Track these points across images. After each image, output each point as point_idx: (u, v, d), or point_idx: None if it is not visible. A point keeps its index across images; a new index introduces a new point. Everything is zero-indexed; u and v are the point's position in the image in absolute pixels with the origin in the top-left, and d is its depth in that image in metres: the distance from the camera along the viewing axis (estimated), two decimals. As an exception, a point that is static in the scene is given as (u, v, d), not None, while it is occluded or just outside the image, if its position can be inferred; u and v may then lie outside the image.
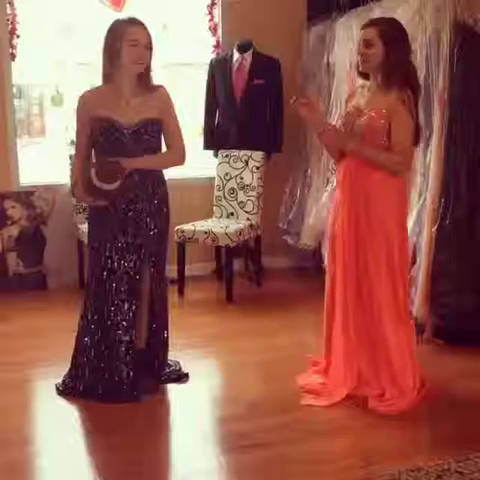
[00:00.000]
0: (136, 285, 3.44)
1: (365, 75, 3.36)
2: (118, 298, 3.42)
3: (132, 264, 3.42)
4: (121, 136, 3.35)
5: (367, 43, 3.23)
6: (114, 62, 3.30)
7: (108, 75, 3.35)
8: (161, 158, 3.51)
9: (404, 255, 3.41)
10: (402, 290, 3.37)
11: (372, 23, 3.30)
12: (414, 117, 3.23)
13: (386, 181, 3.29)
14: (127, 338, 3.42)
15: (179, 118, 3.53)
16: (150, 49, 3.34)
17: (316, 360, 3.66)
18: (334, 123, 3.53)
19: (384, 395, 3.34)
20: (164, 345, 3.66)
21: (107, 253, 3.41)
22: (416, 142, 3.34)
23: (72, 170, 3.65)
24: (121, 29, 3.28)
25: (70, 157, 5.27)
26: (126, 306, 3.43)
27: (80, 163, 3.48)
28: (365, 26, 3.29)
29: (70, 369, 3.52)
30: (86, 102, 3.41)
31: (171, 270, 5.21)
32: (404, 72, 3.23)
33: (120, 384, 3.41)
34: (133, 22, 3.31)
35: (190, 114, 5.54)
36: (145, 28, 3.32)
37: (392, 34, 3.22)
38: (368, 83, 3.37)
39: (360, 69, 3.34)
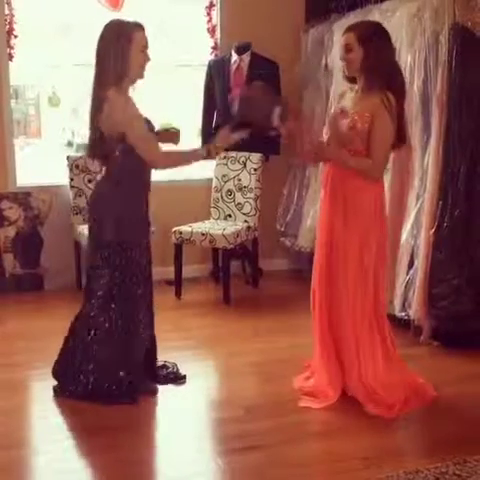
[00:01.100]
0: (151, 287, 3.49)
1: (351, 79, 3.39)
2: (143, 300, 3.46)
3: (149, 266, 3.49)
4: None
5: (347, 48, 3.27)
6: (122, 66, 3.25)
7: (115, 78, 3.25)
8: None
9: (381, 261, 3.38)
10: (373, 297, 3.36)
11: (351, 28, 3.33)
12: (395, 120, 3.23)
13: (363, 184, 3.30)
14: (145, 339, 3.48)
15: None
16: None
17: (309, 362, 3.66)
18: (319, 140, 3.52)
19: (376, 396, 3.33)
20: (155, 345, 3.67)
21: (135, 253, 3.42)
22: (398, 145, 3.35)
23: (170, 164, 3.53)
24: (129, 34, 3.24)
25: (67, 158, 5.28)
26: (145, 308, 3.49)
27: (167, 153, 3.51)
28: (345, 31, 3.33)
29: (67, 371, 3.50)
30: (133, 102, 3.33)
31: (168, 272, 5.22)
32: (385, 74, 3.23)
33: (119, 386, 3.40)
34: (140, 27, 3.29)
35: (188, 115, 5.53)
36: (145, 30, 3.33)
37: (371, 37, 3.23)
38: (356, 86, 3.39)
39: (345, 73, 3.38)
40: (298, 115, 5.24)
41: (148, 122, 3.39)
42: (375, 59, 3.21)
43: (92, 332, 3.42)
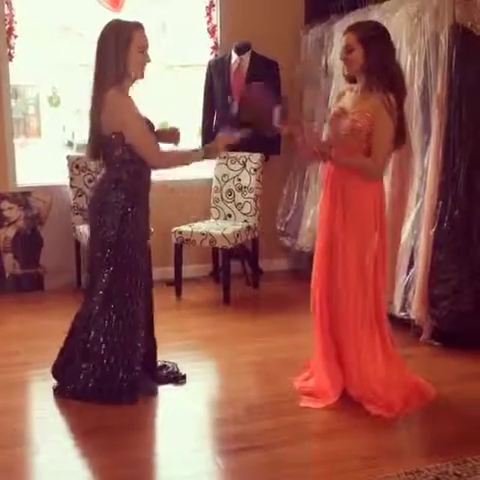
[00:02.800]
0: (151, 287, 3.48)
1: (351, 78, 3.39)
2: (143, 300, 3.45)
3: (148, 265, 3.51)
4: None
5: (347, 48, 3.27)
6: (121, 65, 3.25)
7: (115, 78, 3.26)
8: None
9: (381, 261, 3.38)
10: (372, 297, 3.36)
11: (352, 28, 3.33)
12: (395, 121, 3.23)
13: (363, 184, 3.30)
14: (141, 341, 3.47)
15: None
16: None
17: (309, 362, 3.66)
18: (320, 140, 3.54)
19: (376, 396, 3.33)
20: (155, 346, 3.67)
21: (135, 252, 3.41)
22: (398, 145, 3.35)
23: (170, 162, 3.54)
24: (129, 33, 3.25)
25: (67, 158, 5.27)
26: (147, 308, 3.49)
27: (165, 153, 3.47)
28: (346, 31, 3.33)
29: (66, 371, 3.51)
30: (133, 102, 3.33)
31: (168, 272, 5.22)
32: (386, 74, 3.23)
33: (119, 385, 3.40)
34: (139, 26, 3.29)
35: (188, 115, 5.54)
36: (145, 30, 3.32)
37: (372, 37, 3.23)
38: (355, 86, 3.39)
39: (345, 73, 3.39)
40: (298, 114, 5.26)
41: (148, 122, 3.39)
42: (376, 59, 3.21)
43: (92, 332, 3.42)
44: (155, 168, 3.43)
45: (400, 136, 3.30)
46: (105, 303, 3.41)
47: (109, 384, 3.39)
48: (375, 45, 3.22)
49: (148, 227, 3.55)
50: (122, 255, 3.39)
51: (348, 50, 3.27)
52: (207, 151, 3.45)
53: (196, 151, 3.50)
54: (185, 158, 3.52)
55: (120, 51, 3.24)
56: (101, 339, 3.41)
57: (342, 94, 3.51)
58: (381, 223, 3.38)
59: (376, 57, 3.21)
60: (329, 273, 3.40)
